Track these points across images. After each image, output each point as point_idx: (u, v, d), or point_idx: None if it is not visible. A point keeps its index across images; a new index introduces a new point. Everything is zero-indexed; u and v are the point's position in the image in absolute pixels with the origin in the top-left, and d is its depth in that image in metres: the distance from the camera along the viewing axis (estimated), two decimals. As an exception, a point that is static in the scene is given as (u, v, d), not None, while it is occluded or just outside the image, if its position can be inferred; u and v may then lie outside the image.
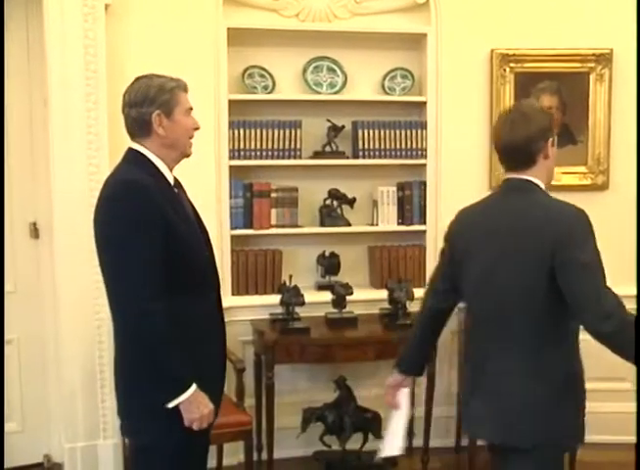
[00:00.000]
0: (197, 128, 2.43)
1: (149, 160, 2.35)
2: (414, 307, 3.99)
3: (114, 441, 3.85)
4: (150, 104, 2.32)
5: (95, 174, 3.71)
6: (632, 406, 4.19)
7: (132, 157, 2.38)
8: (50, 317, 3.92)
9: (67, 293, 3.75)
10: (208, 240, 2.48)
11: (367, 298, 4.14)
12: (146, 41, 3.79)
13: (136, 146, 2.38)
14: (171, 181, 2.40)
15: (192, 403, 2.25)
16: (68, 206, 3.70)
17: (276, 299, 3.95)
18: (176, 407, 2.24)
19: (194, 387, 2.25)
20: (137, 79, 2.40)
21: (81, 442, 3.84)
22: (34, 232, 3.95)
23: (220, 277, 2.57)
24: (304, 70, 4.14)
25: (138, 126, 2.36)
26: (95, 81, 3.68)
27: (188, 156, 2.44)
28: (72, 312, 3.76)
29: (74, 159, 3.69)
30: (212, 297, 2.44)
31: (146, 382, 2.27)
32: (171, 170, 2.40)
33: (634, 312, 3.98)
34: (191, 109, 2.42)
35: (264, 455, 3.94)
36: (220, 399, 2.48)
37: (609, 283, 2.36)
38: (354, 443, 3.96)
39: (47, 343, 3.98)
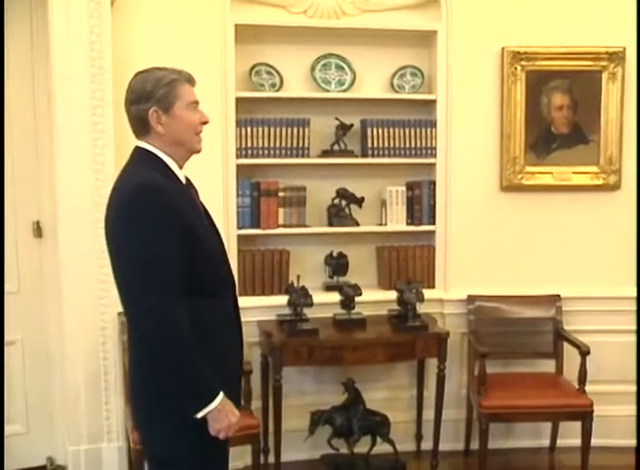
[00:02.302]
0: (204, 122, 2.28)
1: (159, 158, 2.23)
2: (424, 309, 3.95)
3: (119, 444, 3.80)
4: (147, 100, 2.20)
5: (100, 173, 3.67)
6: (641, 409, 4.17)
7: (141, 156, 2.25)
8: (54, 318, 3.86)
9: (71, 293, 3.69)
10: (221, 240, 2.39)
11: (375, 299, 4.07)
12: (152, 37, 3.72)
13: (143, 144, 2.25)
14: (183, 180, 2.30)
15: (220, 412, 2.14)
16: (73, 204, 3.64)
17: (283, 300, 3.88)
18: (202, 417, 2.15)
19: (221, 395, 2.15)
20: (136, 74, 2.27)
21: (85, 444, 3.78)
22: (37, 231, 3.88)
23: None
24: (312, 68, 4.07)
25: (138, 124, 2.24)
26: (100, 78, 3.62)
27: (197, 152, 2.31)
28: (77, 313, 3.70)
29: (79, 156, 3.63)
30: (230, 298, 2.35)
31: (172, 392, 2.15)
32: (181, 168, 2.29)
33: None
34: (196, 102, 2.26)
35: (271, 459, 3.88)
36: (240, 404, 2.39)
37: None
38: (362, 446, 3.90)
39: (51, 344, 3.91)
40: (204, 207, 2.38)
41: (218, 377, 2.16)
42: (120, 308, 3.62)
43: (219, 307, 2.27)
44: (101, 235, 3.58)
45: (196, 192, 2.39)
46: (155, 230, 2.08)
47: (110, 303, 3.74)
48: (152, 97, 2.20)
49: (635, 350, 4.07)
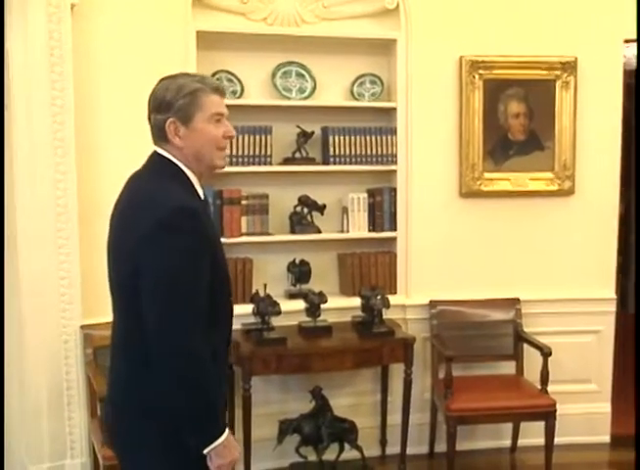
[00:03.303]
0: (229, 137, 2.11)
1: (182, 171, 2.07)
2: (389, 315, 3.98)
3: (82, 460, 3.70)
4: (166, 109, 2.04)
5: (61, 182, 3.57)
6: (599, 407, 4.32)
7: (164, 166, 2.08)
8: (12, 333, 3.71)
9: (32, 307, 3.57)
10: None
11: (339, 305, 4.08)
12: (114, 43, 3.65)
13: (162, 151, 2.09)
14: (202, 196, 2.14)
15: (226, 448, 2.03)
16: (33, 216, 3.54)
17: (247, 308, 3.85)
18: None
19: (227, 430, 2.04)
20: (161, 80, 2.11)
21: (47, 462, 3.66)
22: (-7, 243, 3.75)
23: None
24: (273, 75, 4.06)
25: (158, 134, 2.09)
26: (61, 84, 3.53)
27: (219, 168, 2.14)
28: (38, 328, 3.59)
29: (39, 166, 3.54)
30: (229, 323, 2.24)
31: (182, 426, 2.01)
32: (200, 182, 2.15)
33: (608, 314, 4.19)
34: (220, 113, 2.09)
35: (239, 469, 3.84)
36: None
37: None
38: (330, 453, 3.90)
39: (8, 359, 3.76)
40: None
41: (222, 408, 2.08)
42: (83, 322, 3.61)
43: (223, 333, 2.17)
44: (62, 245, 3.60)
45: (209, 208, 2.30)
46: (192, 260, 1.96)
47: (72, 315, 3.64)
48: (171, 107, 2.04)
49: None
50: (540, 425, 3.80)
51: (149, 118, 2.12)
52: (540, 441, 3.83)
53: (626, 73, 4.29)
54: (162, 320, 1.95)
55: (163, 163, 2.09)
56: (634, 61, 4.56)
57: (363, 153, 4.11)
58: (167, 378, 1.97)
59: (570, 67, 4.12)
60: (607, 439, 4.31)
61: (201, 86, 2.06)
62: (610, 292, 4.30)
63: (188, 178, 2.10)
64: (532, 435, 4.06)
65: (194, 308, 1.96)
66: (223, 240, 3.81)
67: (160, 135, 2.09)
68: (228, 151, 3.85)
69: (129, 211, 2.07)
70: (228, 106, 3.89)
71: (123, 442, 2.18)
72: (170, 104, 2.04)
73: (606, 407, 4.34)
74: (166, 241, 1.95)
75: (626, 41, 4.17)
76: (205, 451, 2.01)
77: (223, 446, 2.03)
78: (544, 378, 3.84)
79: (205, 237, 2.01)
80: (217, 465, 2.04)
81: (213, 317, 2.06)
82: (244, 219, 4.01)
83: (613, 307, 4.32)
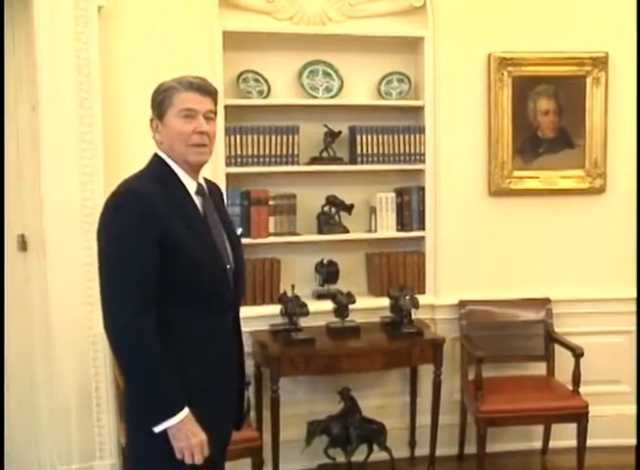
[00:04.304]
0: (200, 132, 2.18)
1: (166, 165, 2.22)
2: (418, 315, 3.95)
3: (112, 461, 3.70)
4: (151, 109, 2.26)
5: (88, 184, 3.58)
6: (631, 409, 4.24)
7: (151, 162, 2.26)
8: (39, 334, 3.74)
9: (59, 308, 3.58)
10: (238, 255, 2.32)
11: (367, 306, 4.05)
12: (140, 44, 3.65)
13: (157, 150, 2.27)
14: (191, 189, 2.23)
15: (179, 431, 2.08)
16: (61, 216, 3.54)
17: (275, 309, 3.84)
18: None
19: (184, 413, 2.09)
20: None
21: (76, 463, 3.67)
22: (22, 245, 3.76)
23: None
24: (300, 75, 4.04)
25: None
26: (88, 86, 3.53)
27: (194, 164, 2.23)
28: (65, 329, 3.59)
29: (66, 168, 3.53)
30: (226, 315, 2.28)
31: (136, 402, 2.18)
32: (195, 176, 2.25)
33: (634, 315, 4.11)
34: (189, 109, 2.18)
35: (268, 470, 3.83)
36: (228, 429, 2.37)
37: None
38: (359, 455, 3.88)
39: (36, 361, 3.79)
40: (225, 219, 2.35)
41: (185, 393, 2.10)
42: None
43: (204, 321, 2.19)
44: (89, 247, 3.60)
45: (213, 200, 2.32)
46: (127, 238, 2.08)
47: (99, 316, 3.59)
48: (153, 106, 2.25)
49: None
50: (571, 426, 3.76)
51: None
52: (571, 443, 3.79)
53: (658, 69, 4.22)
54: (102, 296, 2.13)
55: (152, 160, 2.26)
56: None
57: (391, 152, 4.07)
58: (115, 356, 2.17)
59: (600, 62, 4.06)
60: (639, 441, 4.26)
61: (174, 85, 2.21)
62: (642, 291, 4.24)
63: (172, 171, 2.22)
64: (564, 436, 4.01)
65: (126, 284, 2.06)
66: (249, 241, 3.91)
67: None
68: (250, 150, 3.90)
69: None
70: (256, 106, 3.95)
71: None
72: (152, 103, 2.25)
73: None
74: (107, 219, 2.14)
75: (659, 36, 4.11)
76: (156, 430, 2.08)
77: (177, 429, 2.09)
78: (576, 379, 3.78)
79: (149, 221, 2.08)
80: (177, 448, 2.10)
81: (192, 301, 2.15)
82: (271, 220, 3.99)
83: (645, 307, 4.25)
